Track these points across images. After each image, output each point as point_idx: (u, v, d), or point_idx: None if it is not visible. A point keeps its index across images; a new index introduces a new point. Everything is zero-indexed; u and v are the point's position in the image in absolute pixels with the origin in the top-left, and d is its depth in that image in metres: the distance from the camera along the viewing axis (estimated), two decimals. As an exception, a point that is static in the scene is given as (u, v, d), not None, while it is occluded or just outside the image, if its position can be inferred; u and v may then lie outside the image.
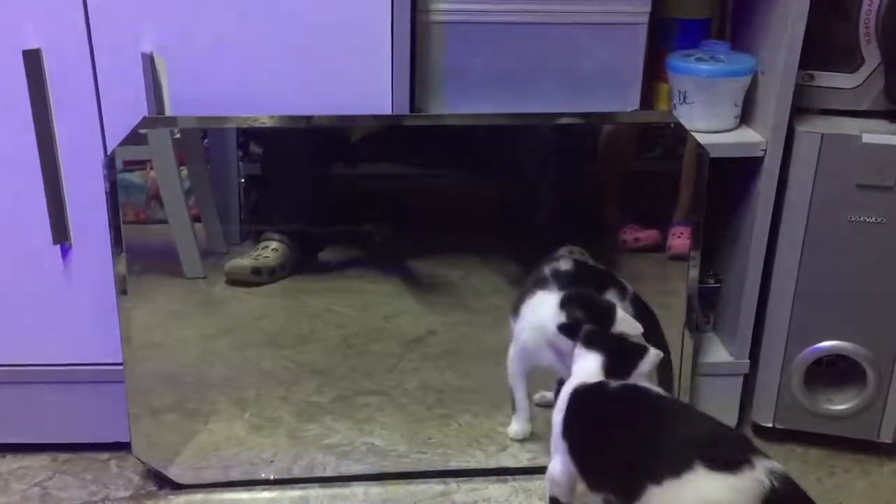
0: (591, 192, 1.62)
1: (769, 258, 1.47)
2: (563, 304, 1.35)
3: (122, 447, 1.47)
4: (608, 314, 1.31)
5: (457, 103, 1.44)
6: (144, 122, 1.34)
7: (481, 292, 1.68)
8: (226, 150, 1.54)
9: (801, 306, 1.47)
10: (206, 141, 1.50)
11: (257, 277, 1.61)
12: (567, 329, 1.30)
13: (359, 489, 1.43)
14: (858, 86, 1.41)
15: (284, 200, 1.66)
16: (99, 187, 1.32)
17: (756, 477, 1.01)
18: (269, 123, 1.37)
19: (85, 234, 1.39)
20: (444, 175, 1.64)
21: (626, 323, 1.30)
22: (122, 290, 1.37)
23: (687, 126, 1.42)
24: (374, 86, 1.35)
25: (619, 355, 1.22)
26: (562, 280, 1.42)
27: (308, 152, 1.60)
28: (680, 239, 1.54)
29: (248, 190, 1.59)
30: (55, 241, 1.39)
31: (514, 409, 1.50)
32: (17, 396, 1.47)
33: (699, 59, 1.44)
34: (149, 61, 1.31)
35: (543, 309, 1.38)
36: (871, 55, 1.39)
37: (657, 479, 1.04)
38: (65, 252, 1.40)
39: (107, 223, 1.34)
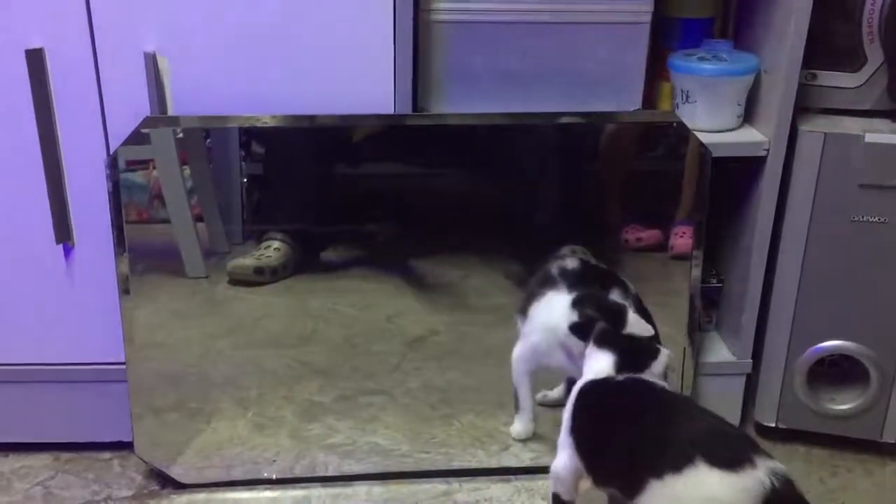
0: (593, 192, 1.62)
1: (772, 257, 1.47)
2: (575, 304, 1.35)
3: (125, 446, 1.47)
4: (619, 316, 1.30)
5: (459, 103, 1.44)
6: (147, 122, 1.34)
7: (484, 292, 1.68)
8: (228, 149, 1.54)
9: (804, 306, 1.47)
10: (208, 140, 1.50)
11: (260, 277, 1.61)
12: (579, 329, 1.30)
13: (361, 489, 1.43)
14: (861, 85, 1.41)
15: (287, 200, 1.66)
16: (101, 187, 1.33)
17: (757, 476, 1.00)
18: (271, 123, 1.37)
19: (87, 233, 1.39)
20: (446, 174, 1.64)
21: (637, 325, 1.30)
22: (124, 290, 1.37)
23: (689, 125, 1.42)
24: (377, 85, 1.35)
25: (632, 355, 1.22)
26: (569, 279, 1.41)
27: (310, 152, 1.60)
28: (682, 238, 1.53)
29: (251, 189, 1.59)
30: (58, 241, 1.39)
31: (517, 408, 1.49)
32: (19, 396, 1.47)
33: (702, 59, 1.44)
34: (151, 61, 1.31)
35: (555, 309, 1.37)
36: (874, 54, 1.39)
37: (659, 474, 1.04)
38: (67, 252, 1.40)
39: (109, 223, 1.34)
